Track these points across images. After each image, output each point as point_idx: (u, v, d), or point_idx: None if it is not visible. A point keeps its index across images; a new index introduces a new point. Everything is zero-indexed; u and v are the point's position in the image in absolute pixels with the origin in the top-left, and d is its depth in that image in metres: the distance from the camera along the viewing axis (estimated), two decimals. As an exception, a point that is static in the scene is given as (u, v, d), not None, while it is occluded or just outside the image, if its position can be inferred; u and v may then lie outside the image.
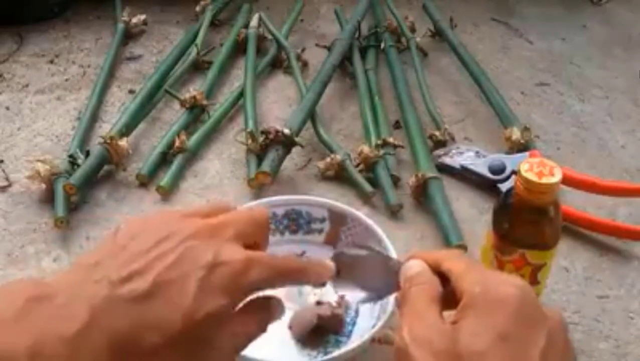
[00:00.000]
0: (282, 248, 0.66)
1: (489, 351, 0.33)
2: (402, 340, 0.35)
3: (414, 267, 0.41)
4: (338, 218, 0.67)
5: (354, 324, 0.61)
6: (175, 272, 0.34)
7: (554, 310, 0.37)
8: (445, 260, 0.40)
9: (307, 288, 0.64)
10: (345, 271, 0.44)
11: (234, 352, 0.37)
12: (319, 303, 0.61)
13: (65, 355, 0.30)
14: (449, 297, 0.38)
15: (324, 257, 0.64)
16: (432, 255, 0.42)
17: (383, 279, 0.44)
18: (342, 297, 0.61)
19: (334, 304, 0.60)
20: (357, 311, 0.62)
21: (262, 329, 0.39)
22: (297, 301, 0.62)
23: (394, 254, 0.62)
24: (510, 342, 0.33)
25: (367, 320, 0.61)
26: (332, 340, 0.60)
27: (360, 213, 0.68)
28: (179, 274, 0.34)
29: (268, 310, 0.40)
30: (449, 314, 0.37)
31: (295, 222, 0.68)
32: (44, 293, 0.32)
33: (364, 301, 0.46)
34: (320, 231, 0.68)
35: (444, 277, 0.40)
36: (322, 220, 0.68)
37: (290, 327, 0.60)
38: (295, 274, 0.40)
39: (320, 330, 0.59)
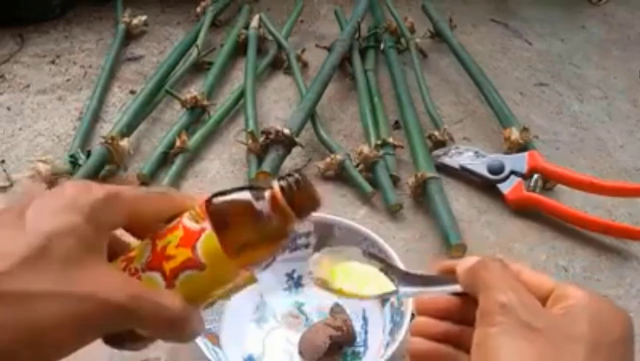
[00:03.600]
0: (271, 269, 0.66)
1: (587, 355, 0.32)
2: (494, 304, 0.33)
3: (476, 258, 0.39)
4: (324, 229, 0.66)
5: (366, 332, 0.62)
6: (7, 211, 0.32)
7: None
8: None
9: (307, 307, 0.64)
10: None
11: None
12: (325, 323, 0.60)
13: None
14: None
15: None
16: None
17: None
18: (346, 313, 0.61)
19: (341, 323, 0.60)
20: (365, 318, 0.63)
21: None
22: (299, 327, 0.62)
23: (392, 255, 0.63)
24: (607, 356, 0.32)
25: (378, 323, 0.61)
26: (349, 352, 0.60)
27: (347, 219, 0.67)
28: (11, 211, 0.32)
29: None
30: None
31: None
32: None
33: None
34: (306, 245, 0.67)
35: None
36: (308, 235, 0.67)
37: (300, 352, 0.60)
38: (156, 194, 0.37)
39: (334, 346, 0.59)
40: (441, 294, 0.40)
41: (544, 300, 0.35)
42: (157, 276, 0.34)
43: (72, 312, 0.30)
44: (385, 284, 0.40)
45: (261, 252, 0.35)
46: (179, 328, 0.34)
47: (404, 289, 0.40)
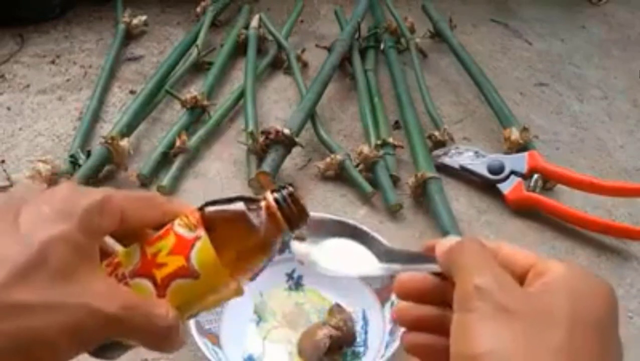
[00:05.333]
0: (271, 269, 0.66)
1: (568, 333, 0.30)
2: (470, 288, 0.32)
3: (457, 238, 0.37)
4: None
5: (366, 332, 0.62)
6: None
7: None
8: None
9: (307, 307, 0.64)
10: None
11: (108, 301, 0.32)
12: (325, 323, 0.61)
13: None
14: None
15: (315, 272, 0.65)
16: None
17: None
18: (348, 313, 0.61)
19: (341, 323, 0.60)
20: (365, 318, 0.63)
21: None
22: (298, 327, 0.62)
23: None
24: (596, 333, 0.31)
25: (378, 323, 0.62)
26: (349, 353, 0.60)
27: (347, 217, 0.67)
28: (3, 207, 0.32)
29: None
30: None
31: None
32: None
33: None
34: None
35: None
36: None
37: (300, 352, 0.60)
38: (144, 199, 0.37)
39: (334, 346, 0.59)
40: (422, 273, 0.38)
41: (523, 276, 0.34)
42: (147, 283, 0.34)
43: (67, 323, 0.30)
44: (368, 263, 0.39)
45: (253, 263, 0.36)
46: (169, 339, 0.34)
47: (385, 266, 0.39)
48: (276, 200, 0.35)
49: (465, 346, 0.31)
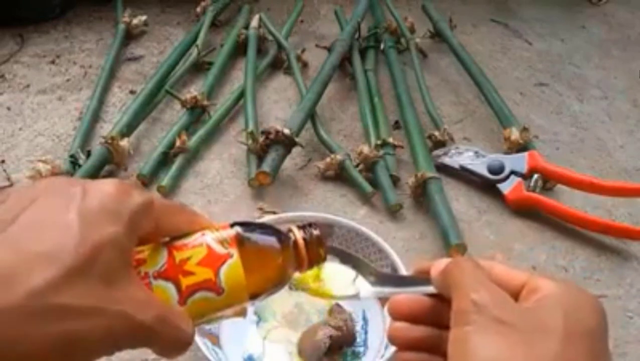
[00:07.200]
0: None
1: (562, 344, 0.32)
2: (467, 303, 0.33)
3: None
4: (324, 229, 0.65)
5: (366, 332, 0.62)
6: (46, 206, 0.31)
7: None
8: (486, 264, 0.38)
9: (307, 307, 0.64)
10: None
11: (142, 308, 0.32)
12: (325, 323, 0.61)
13: None
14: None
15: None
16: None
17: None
18: (347, 313, 0.61)
19: (341, 323, 0.60)
20: (365, 319, 0.63)
21: None
22: (299, 327, 0.62)
23: (393, 255, 0.63)
24: (586, 344, 0.32)
25: (378, 323, 0.61)
26: (349, 352, 0.60)
27: (347, 219, 0.67)
28: (52, 207, 0.31)
29: None
30: None
31: None
32: None
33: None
34: None
35: None
36: None
37: (300, 352, 0.60)
38: (175, 206, 0.37)
39: (334, 346, 0.59)
40: (415, 295, 0.39)
41: (516, 294, 0.35)
42: (171, 288, 0.34)
43: (105, 329, 0.30)
44: (361, 287, 0.41)
45: (267, 290, 0.37)
46: (183, 350, 0.34)
47: (378, 289, 0.40)
48: (304, 240, 0.37)
49: (463, 358, 0.32)
